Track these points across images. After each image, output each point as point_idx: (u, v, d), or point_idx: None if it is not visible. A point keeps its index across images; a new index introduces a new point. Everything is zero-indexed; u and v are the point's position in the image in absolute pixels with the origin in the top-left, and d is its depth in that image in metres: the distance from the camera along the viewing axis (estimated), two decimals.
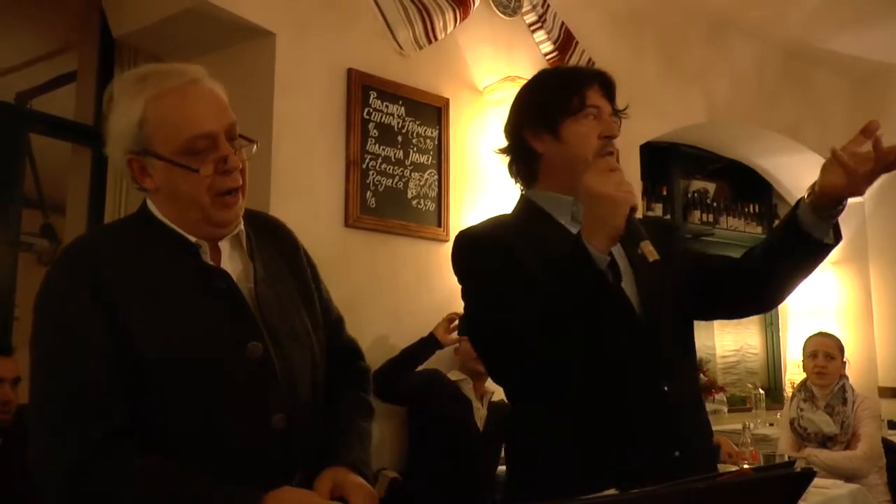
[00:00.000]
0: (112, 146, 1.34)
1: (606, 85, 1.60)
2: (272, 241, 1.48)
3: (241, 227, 1.41)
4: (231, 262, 1.39)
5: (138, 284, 1.27)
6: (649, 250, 1.34)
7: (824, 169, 1.41)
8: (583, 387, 1.48)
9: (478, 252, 1.54)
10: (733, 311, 1.82)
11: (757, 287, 1.61)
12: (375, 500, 1.31)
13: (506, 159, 1.69)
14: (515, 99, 1.68)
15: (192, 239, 1.34)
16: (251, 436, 1.29)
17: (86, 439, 1.18)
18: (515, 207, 1.67)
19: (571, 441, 1.47)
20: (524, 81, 3.91)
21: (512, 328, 1.40)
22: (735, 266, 1.65)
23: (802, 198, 1.46)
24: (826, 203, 1.42)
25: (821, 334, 3.98)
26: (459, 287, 1.57)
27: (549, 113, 1.57)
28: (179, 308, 1.28)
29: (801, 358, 3.97)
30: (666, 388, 1.50)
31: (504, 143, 1.68)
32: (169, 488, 1.19)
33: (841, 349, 3.85)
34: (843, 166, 1.36)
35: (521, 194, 1.68)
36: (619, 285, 1.42)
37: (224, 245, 1.39)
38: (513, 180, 1.70)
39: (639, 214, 1.41)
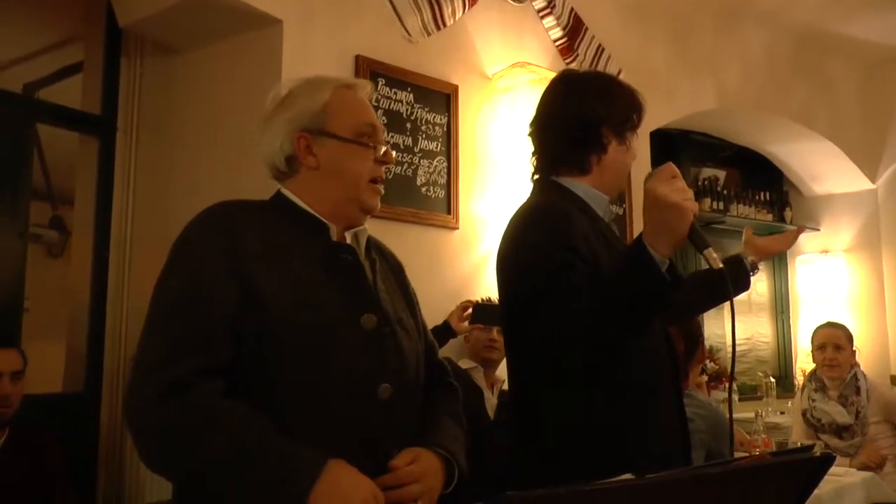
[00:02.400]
0: (280, 127, 1.46)
1: None
2: (385, 258, 1.62)
3: (366, 227, 1.53)
4: None
5: (267, 247, 1.36)
6: (713, 258, 1.39)
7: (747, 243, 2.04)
8: (632, 378, 1.56)
9: (564, 252, 1.53)
10: None
11: None
12: (432, 483, 1.36)
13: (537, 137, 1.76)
14: (594, 89, 1.71)
15: (324, 221, 1.44)
16: (356, 401, 1.35)
17: (184, 368, 1.25)
18: (554, 193, 1.69)
19: (617, 430, 1.54)
20: (533, 68, 3.86)
21: (586, 318, 1.45)
22: None
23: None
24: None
25: (828, 325, 3.86)
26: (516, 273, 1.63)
27: (628, 121, 1.70)
28: (303, 273, 1.37)
29: (811, 349, 3.91)
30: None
31: (558, 119, 1.71)
32: (238, 430, 1.24)
33: (850, 338, 3.73)
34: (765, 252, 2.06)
35: (550, 179, 1.72)
36: (677, 287, 1.48)
37: (349, 236, 1.49)
38: (547, 158, 1.73)
39: None
